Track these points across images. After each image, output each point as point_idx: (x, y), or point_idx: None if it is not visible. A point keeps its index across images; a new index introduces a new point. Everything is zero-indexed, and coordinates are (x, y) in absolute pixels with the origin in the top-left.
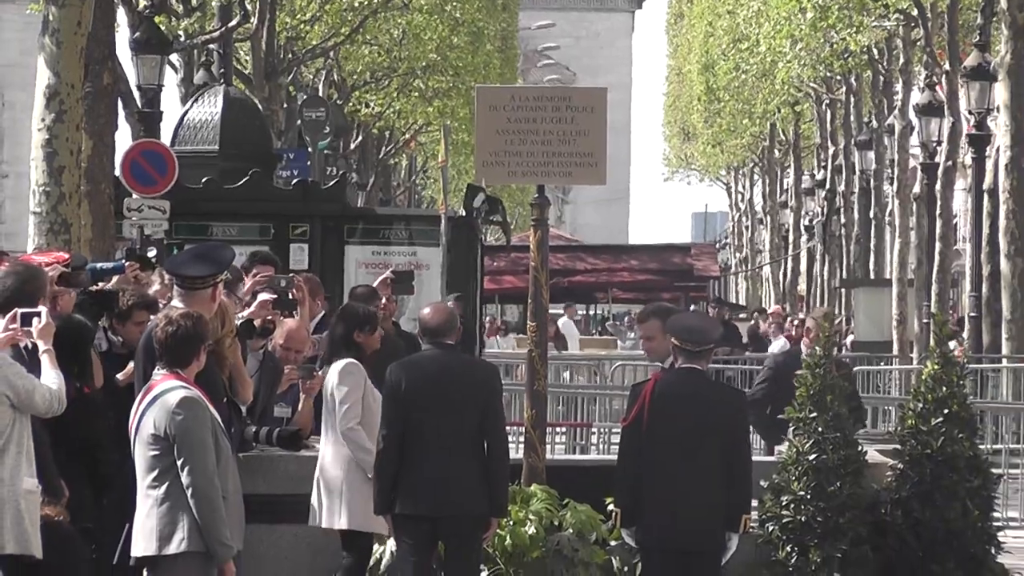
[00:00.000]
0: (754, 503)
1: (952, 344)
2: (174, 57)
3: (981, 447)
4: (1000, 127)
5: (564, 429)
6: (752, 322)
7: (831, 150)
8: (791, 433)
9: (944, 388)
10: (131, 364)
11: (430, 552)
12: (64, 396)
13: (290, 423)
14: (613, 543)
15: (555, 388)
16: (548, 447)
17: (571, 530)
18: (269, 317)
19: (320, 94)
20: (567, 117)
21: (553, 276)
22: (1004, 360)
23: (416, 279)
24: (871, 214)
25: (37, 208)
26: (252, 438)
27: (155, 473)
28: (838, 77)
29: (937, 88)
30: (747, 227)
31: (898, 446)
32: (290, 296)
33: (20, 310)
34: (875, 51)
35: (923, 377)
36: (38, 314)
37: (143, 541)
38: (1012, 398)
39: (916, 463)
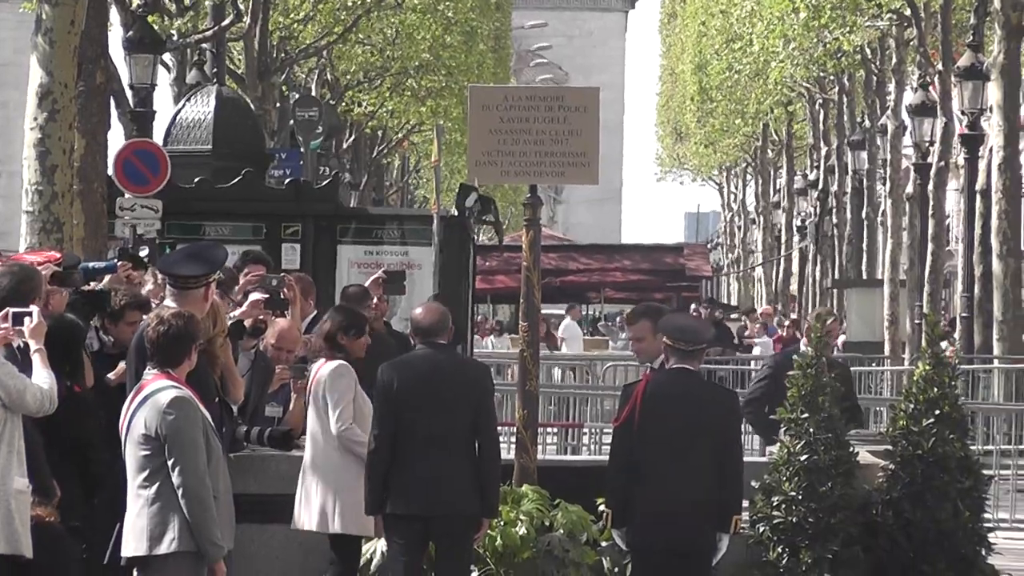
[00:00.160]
0: (745, 504)
1: (944, 345)
2: (167, 56)
3: (972, 448)
4: (993, 127)
5: (555, 429)
6: (741, 322)
7: (824, 150)
8: (782, 433)
9: (935, 389)
10: (122, 364)
11: (421, 552)
12: (55, 396)
13: (281, 423)
14: (604, 544)
15: (546, 388)
16: (539, 447)
17: (562, 531)
18: (261, 316)
19: (313, 94)
20: (560, 117)
21: (545, 276)
22: (996, 361)
23: (408, 279)
24: (863, 214)
25: (29, 207)
26: (243, 438)
27: (146, 473)
28: (831, 77)
29: (930, 88)
30: (739, 227)
31: (889, 447)
32: (281, 295)
33: (12, 309)
34: (868, 51)
35: (915, 378)
36: (29, 313)
37: (134, 541)
38: (1003, 399)
39: (907, 464)
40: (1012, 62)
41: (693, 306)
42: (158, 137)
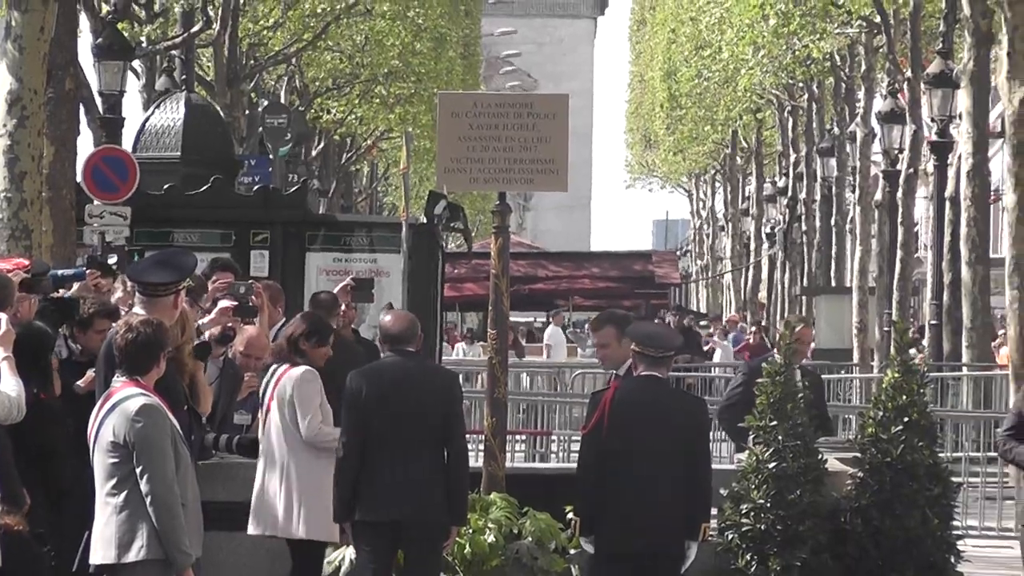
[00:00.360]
0: (714, 511)
1: (913, 352)
2: (136, 63)
3: (941, 455)
4: (962, 134)
5: (524, 437)
6: (709, 329)
7: (793, 157)
8: (751, 441)
9: (904, 396)
10: (91, 371)
11: (390, 560)
12: (24, 403)
13: (250, 430)
14: (572, 551)
15: (515, 395)
16: (508, 455)
17: (530, 538)
18: (229, 324)
19: (282, 100)
20: (529, 124)
21: (514, 283)
22: (964, 368)
23: (377, 286)
24: (832, 221)
25: None
26: (212, 445)
27: (114, 481)
28: (800, 84)
29: (899, 95)
30: (708, 234)
31: (858, 454)
32: (250, 303)
33: None
34: (837, 58)
35: (883, 385)
36: None
37: (102, 549)
38: (972, 406)
39: (876, 471)
40: (981, 69)
41: (667, 314)
42: (127, 144)
